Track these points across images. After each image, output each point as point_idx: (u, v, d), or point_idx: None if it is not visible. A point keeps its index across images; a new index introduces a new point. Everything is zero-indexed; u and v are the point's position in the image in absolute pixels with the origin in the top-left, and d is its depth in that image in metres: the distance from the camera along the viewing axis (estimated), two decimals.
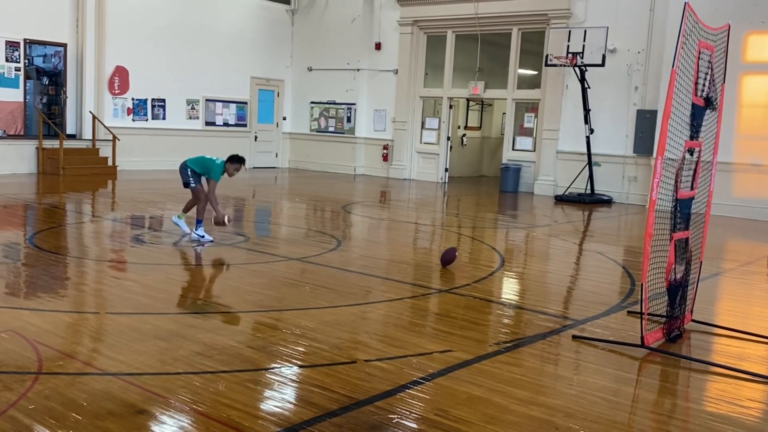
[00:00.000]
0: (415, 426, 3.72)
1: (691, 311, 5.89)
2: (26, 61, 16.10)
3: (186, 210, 9.02)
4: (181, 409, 3.75)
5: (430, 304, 6.48)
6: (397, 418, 3.78)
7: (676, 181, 5.09)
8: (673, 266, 5.22)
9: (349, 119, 20.34)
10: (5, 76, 15.62)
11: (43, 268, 7.06)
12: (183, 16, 18.40)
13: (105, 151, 16.73)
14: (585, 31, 15.41)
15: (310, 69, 20.89)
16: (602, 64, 15.15)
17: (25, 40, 15.89)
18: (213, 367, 4.39)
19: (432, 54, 19.39)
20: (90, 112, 16.82)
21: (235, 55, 19.68)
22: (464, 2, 17.94)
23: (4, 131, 15.66)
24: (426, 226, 11.86)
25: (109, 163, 16.62)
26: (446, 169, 19.30)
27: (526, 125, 17.96)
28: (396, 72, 19.41)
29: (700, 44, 5.15)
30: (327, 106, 20.73)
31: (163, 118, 18.41)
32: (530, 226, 12.12)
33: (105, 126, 16.79)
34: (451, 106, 19.34)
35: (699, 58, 5.14)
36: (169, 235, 9.19)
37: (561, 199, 15.77)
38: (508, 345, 5.18)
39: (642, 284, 5.05)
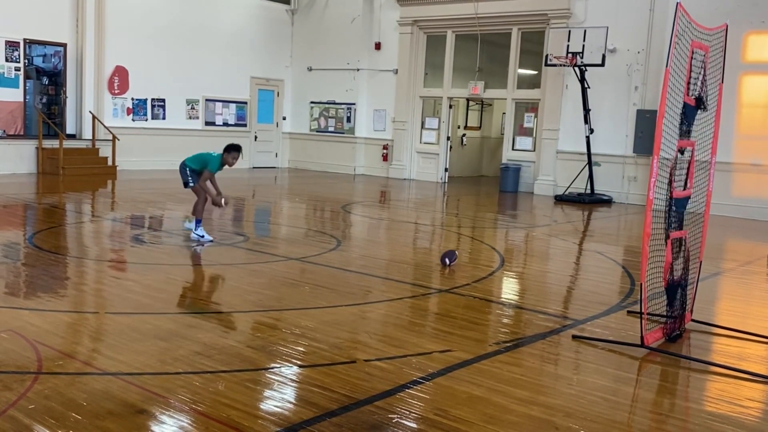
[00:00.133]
0: (414, 426, 3.72)
1: (691, 311, 5.89)
2: (26, 61, 16.09)
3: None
4: (180, 409, 3.75)
5: (429, 304, 6.48)
6: (397, 417, 3.78)
7: (670, 181, 5.10)
8: (671, 265, 5.22)
9: (348, 119, 20.34)
10: (5, 75, 15.61)
11: (43, 267, 7.06)
12: (183, 16, 18.40)
13: (105, 151, 16.73)
14: (585, 31, 15.41)
15: (309, 69, 20.89)
16: (602, 64, 15.15)
17: (24, 39, 15.89)
18: (213, 366, 4.39)
19: (432, 54, 19.39)
20: (90, 112, 16.82)
21: (235, 55, 19.68)
22: (464, 2, 17.93)
23: (4, 131, 15.65)
24: (426, 226, 11.86)
25: (109, 163, 16.62)
26: (446, 169, 19.30)
27: (525, 125, 17.95)
28: (396, 72, 19.41)
29: (693, 44, 5.16)
30: (327, 106, 20.73)
31: (163, 118, 18.41)
32: (530, 226, 12.12)
33: (105, 126, 16.79)
34: (450, 106, 19.34)
35: (692, 58, 5.14)
36: (168, 235, 9.19)
37: (561, 199, 15.77)
38: (508, 345, 5.18)
39: (641, 284, 5.05)
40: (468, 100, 20.85)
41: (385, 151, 19.86)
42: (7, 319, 5.24)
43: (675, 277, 5.33)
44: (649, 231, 4.90)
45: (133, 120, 17.78)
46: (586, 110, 15.59)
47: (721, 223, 12.22)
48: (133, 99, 17.72)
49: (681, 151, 5.19)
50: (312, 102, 20.98)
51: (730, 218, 13.42)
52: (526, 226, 12.19)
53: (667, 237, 5.15)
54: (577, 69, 15.41)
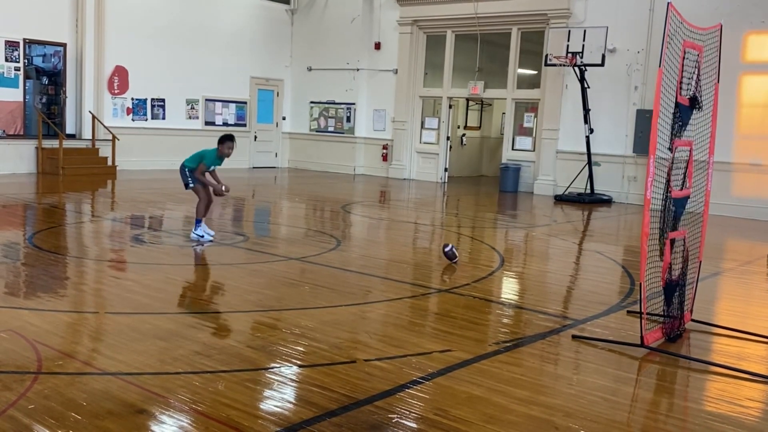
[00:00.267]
0: (414, 426, 3.72)
1: (691, 311, 5.90)
2: (26, 61, 16.09)
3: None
4: (180, 409, 3.76)
5: (429, 304, 6.48)
6: (397, 417, 3.78)
7: (668, 181, 5.10)
8: (669, 265, 5.22)
9: (348, 119, 20.34)
10: (5, 75, 15.61)
11: (43, 267, 7.06)
12: (183, 16, 18.40)
13: (104, 150, 16.73)
14: (584, 31, 15.41)
15: (309, 69, 20.89)
16: (602, 64, 15.15)
17: (24, 39, 15.89)
18: (212, 366, 4.39)
19: (431, 54, 19.39)
20: (89, 111, 16.82)
21: (234, 55, 19.68)
22: (464, 2, 17.93)
23: (4, 131, 15.65)
24: (426, 225, 11.86)
25: (109, 162, 16.62)
26: (446, 169, 19.30)
27: (525, 125, 17.95)
28: (395, 72, 19.41)
29: (685, 44, 5.16)
30: (326, 105, 20.73)
31: (163, 118, 18.41)
32: (530, 226, 12.12)
33: (104, 126, 16.79)
34: (450, 106, 19.34)
35: (684, 57, 5.14)
36: (168, 235, 9.19)
37: (561, 199, 15.77)
38: (508, 345, 5.18)
39: (641, 284, 5.06)
40: (468, 100, 20.85)
41: (384, 151, 19.86)
42: (7, 319, 5.24)
43: (673, 277, 5.34)
44: (648, 231, 4.91)
45: (132, 120, 17.77)
46: (586, 110, 15.59)
47: (720, 223, 12.23)
48: (132, 99, 17.72)
49: (671, 149, 5.18)
50: (312, 102, 20.98)
51: (729, 218, 13.42)
52: (526, 226, 12.19)
53: (665, 236, 5.15)
54: (576, 69, 15.42)
